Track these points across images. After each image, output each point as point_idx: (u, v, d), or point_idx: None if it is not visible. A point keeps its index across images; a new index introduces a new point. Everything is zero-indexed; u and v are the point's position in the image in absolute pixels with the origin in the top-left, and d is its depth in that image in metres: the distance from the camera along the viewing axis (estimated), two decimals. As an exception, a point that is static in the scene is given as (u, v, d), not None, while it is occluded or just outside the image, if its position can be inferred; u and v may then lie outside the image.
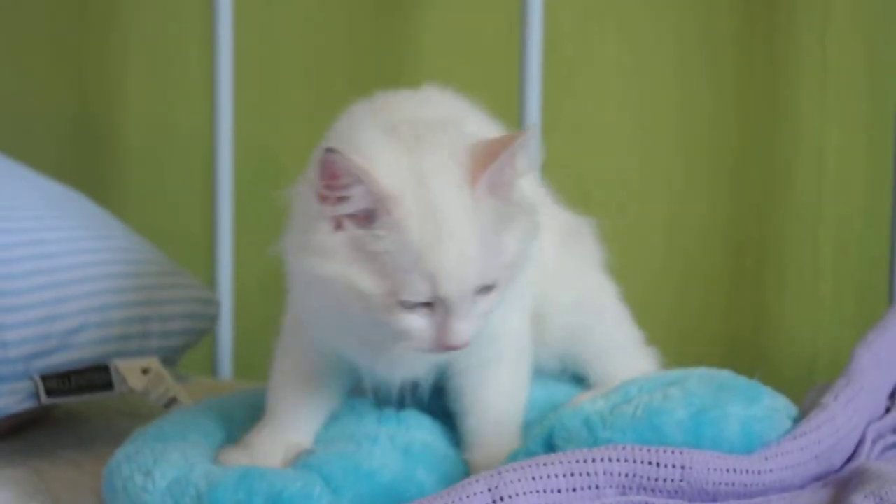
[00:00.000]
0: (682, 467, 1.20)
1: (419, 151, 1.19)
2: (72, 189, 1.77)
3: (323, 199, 1.17)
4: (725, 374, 1.34)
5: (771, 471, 1.23)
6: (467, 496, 1.16)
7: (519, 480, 1.17)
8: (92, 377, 1.56)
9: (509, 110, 1.76)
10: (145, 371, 1.59)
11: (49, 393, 1.53)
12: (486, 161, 1.18)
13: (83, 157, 2.07)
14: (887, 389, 1.40)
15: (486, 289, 1.19)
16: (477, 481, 1.17)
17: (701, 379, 1.32)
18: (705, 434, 1.25)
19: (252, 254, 1.97)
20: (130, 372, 1.58)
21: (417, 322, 1.18)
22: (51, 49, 2.09)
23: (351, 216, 1.17)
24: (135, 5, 2.04)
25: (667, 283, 1.78)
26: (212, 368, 1.90)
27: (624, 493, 1.19)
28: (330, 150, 1.15)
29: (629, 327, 1.38)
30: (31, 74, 2.11)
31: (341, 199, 1.16)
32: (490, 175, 1.18)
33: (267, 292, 1.99)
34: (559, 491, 1.18)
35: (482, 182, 1.18)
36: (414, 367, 1.28)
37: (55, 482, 1.44)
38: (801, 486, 1.26)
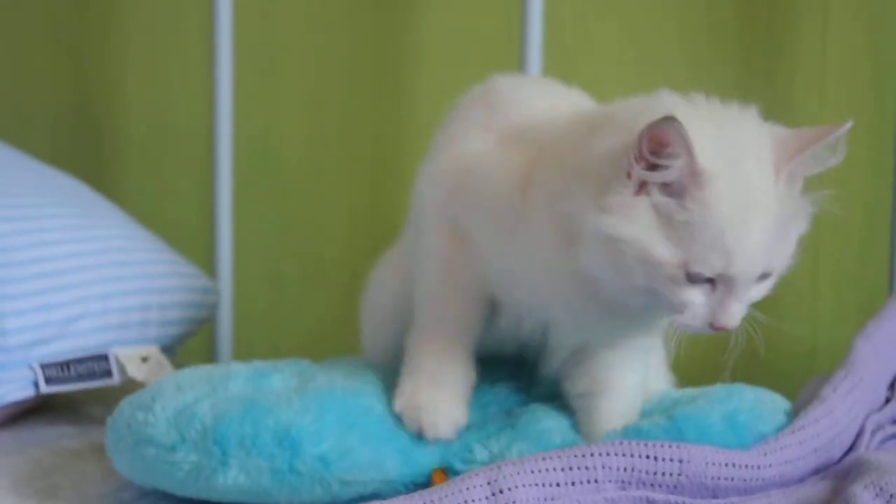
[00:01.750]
0: (681, 461, 1.21)
1: (728, 130, 1.21)
2: (71, 177, 1.77)
3: (640, 160, 1.18)
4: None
5: (770, 466, 1.24)
6: (467, 488, 1.16)
7: (518, 473, 1.18)
8: (91, 365, 1.56)
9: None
10: (145, 359, 1.59)
11: (48, 381, 1.53)
12: (793, 152, 1.21)
13: (83, 148, 2.07)
14: (886, 380, 1.40)
15: (764, 276, 1.23)
16: (476, 474, 1.17)
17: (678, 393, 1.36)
18: (685, 428, 1.27)
19: (251, 243, 1.97)
20: (130, 360, 1.58)
21: (698, 297, 1.21)
22: (50, 40, 2.09)
23: (660, 184, 1.19)
24: (136, -3, 2.05)
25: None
26: (211, 357, 1.90)
27: (623, 488, 1.20)
28: (671, 119, 1.16)
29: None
30: (31, 65, 2.11)
31: (657, 166, 1.18)
32: (795, 165, 1.21)
33: (266, 281, 2.00)
34: (558, 484, 1.18)
35: (786, 173, 1.21)
36: (594, 333, 1.30)
37: (54, 471, 1.44)
38: (801, 480, 1.26)
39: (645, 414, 1.33)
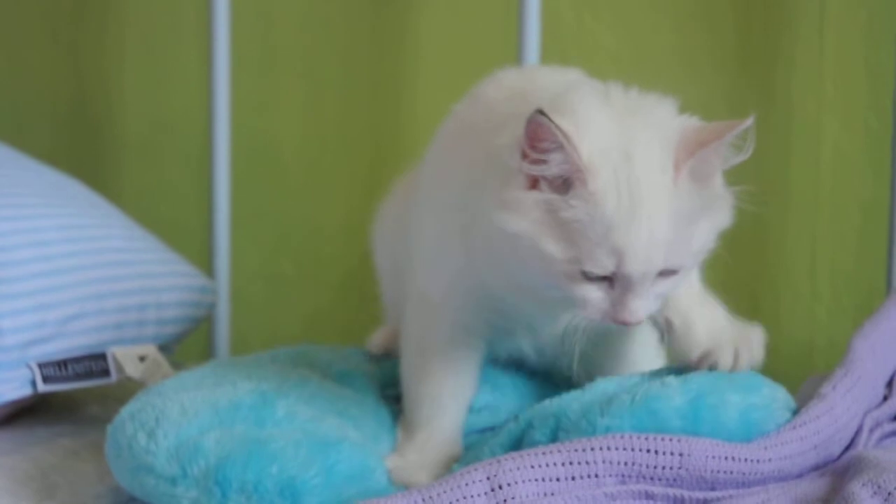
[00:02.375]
0: (681, 454, 1.20)
1: (630, 124, 1.20)
2: (68, 176, 1.77)
3: (524, 156, 1.18)
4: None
5: (770, 460, 1.24)
6: (466, 483, 1.16)
7: (518, 469, 1.17)
8: (89, 364, 1.56)
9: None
10: (142, 358, 1.59)
11: (46, 380, 1.53)
12: (695, 147, 1.19)
13: (80, 146, 2.07)
14: (884, 378, 1.40)
15: (669, 272, 1.20)
16: (476, 469, 1.17)
17: (700, 372, 1.31)
18: (703, 419, 1.25)
19: (248, 241, 1.97)
20: (127, 359, 1.58)
21: (594, 293, 1.20)
22: (48, 38, 2.09)
23: (547, 179, 1.18)
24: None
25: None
26: (209, 356, 1.90)
27: (623, 482, 1.19)
28: (539, 113, 1.16)
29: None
30: (28, 63, 2.10)
31: (541, 161, 1.17)
32: (696, 162, 1.19)
33: (263, 280, 1.99)
34: (558, 479, 1.18)
35: (686, 168, 1.19)
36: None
37: (51, 470, 1.44)
38: (800, 476, 1.26)
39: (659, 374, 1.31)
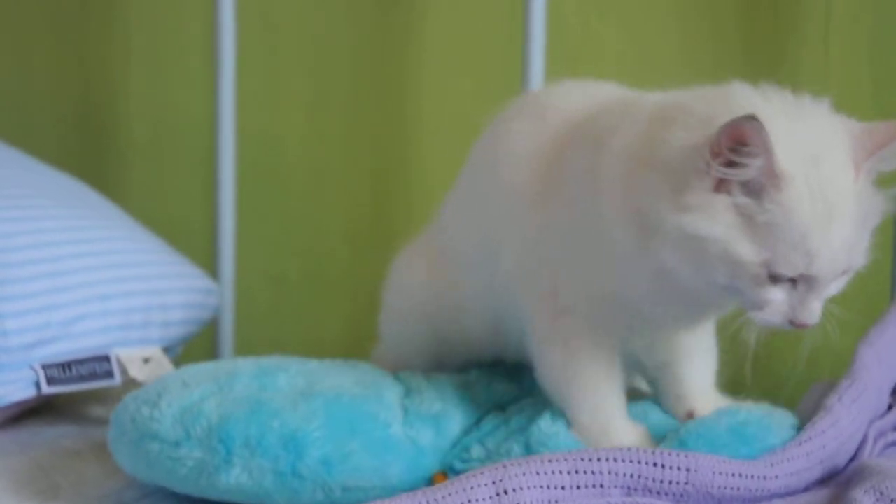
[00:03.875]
0: (688, 470, 1.20)
1: (806, 127, 1.20)
2: (73, 178, 1.77)
3: (718, 157, 1.17)
4: None
5: (777, 477, 1.23)
6: (471, 487, 1.16)
7: (524, 475, 1.17)
8: (93, 366, 1.56)
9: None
10: (146, 360, 1.59)
11: (50, 382, 1.53)
12: (873, 148, 1.21)
13: (85, 147, 2.07)
14: (889, 386, 1.40)
15: (844, 272, 1.23)
16: (482, 473, 1.17)
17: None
18: (690, 442, 1.27)
19: (253, 243, 1.97)
20: (131, 361, 1.58)
21: (778, 296, 1.21)
22: (53, 39, 2.09)
23: (738, 182, 1.18)
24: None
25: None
26: (213, 357, 1.90)
27: (629, 494, 1.19)
28: (752, 118, 1.15)
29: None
30: (34, 64, 2.10)
31: (736, 164, 1.17)
32: (874, 163, 1.21)
33: (268, 282, 1.99)
34: (563, 488, 1.18)
35: (865, 169, 1.21)
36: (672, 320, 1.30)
37: (55, 471, 1.44)
38: (806, 490, 1.26)
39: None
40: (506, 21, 1.83)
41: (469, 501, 1.15)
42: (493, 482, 1.16)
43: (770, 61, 1.74)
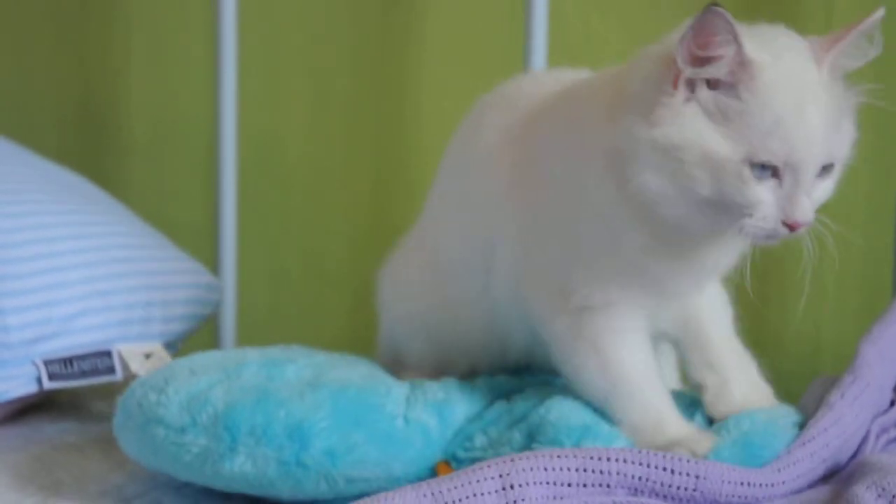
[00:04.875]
0: (697, 476, 1.20)
1: (767, 33, 1.24)
2: (74, 173, 1.77)
3: (691, 60, 1.19)
4: None
5: (783, 482, 1.23)
6: (477, 480, 1.15)
7: (531, 469, 1.17)
8: (94, 362, 1.56)
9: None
10: (148, 356, 1.59)
11: (51, 377, 1.53)
12: (830, 44, 1.23)
13: (86, 145, 2.07)
14: (891, 382, 1.39)
15: (825, 170, 1.23)
16: (489, 466, 1.16)
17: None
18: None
19: (254, 240, 1.97)
20: (133, 356, 1.58)
21: (766, 195, 1.21)
22: (53, 36, 2.09)
23: (709, 80, 1.20)
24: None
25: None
26: (214, 354, 1.90)
27: (635, 495, 1.19)
28: (715, 6, 1.18)
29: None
30: (34, 62, 2.10)
31: (707, 61, 1.19)
32: (835, 56, 1.23)
33: (269, 278, 1.99)
34: (569, 485, 1.18)
35: (828, 62, 1.22)
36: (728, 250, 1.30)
37: (57, 468, 1.44)
38: (810, 488, 1.26)
39: None
40: (507, 19, 1.84)
41: (475, 494, 1.15)
42: (500, 475, 1.16)
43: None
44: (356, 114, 1.95)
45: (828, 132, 1.21)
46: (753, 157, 1.19)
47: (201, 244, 1.93)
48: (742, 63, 1.19)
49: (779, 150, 1.19)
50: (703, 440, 1.28)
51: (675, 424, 1.30)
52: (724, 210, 1.21)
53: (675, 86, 1.20)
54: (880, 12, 1.24)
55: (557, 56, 1.78)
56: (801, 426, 1.30)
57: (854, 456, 1.32)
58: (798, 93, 1.20)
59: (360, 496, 1.26)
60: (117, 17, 2.05)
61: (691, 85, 1.20)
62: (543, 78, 1.41)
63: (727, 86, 1.20)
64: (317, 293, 1.97)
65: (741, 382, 1.34)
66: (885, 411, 1.37)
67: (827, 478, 1.29)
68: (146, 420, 1.33)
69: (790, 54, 1.22)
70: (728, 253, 1.31)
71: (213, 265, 1.88)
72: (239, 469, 1.29)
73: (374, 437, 1.30)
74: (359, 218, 1.95)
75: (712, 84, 1.20)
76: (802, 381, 1.52)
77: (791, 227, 1.22)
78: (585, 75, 1.40)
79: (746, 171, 1.20)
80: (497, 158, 1.35)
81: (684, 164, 1.20)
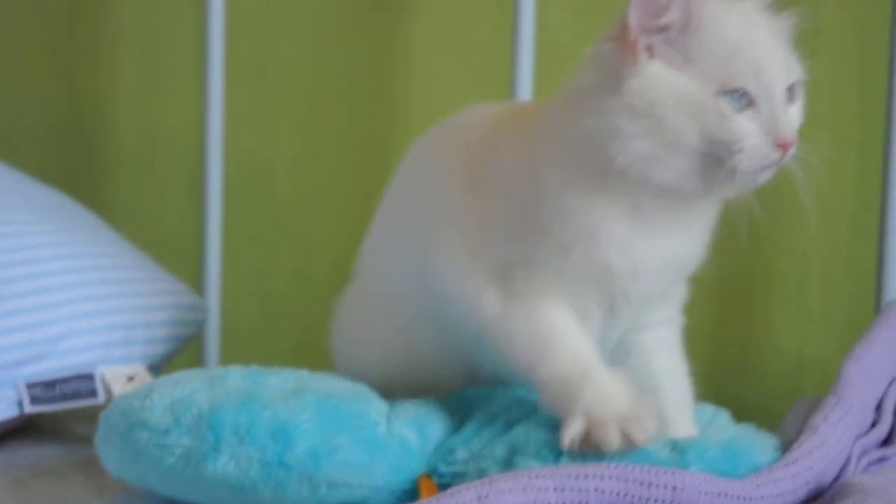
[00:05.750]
0: (674, 488, 1.19)
1: None
2: (60, 193, 1.77)
3: (648, 14, 1.22)
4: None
5: (762, 498, 1.23)
6: (456, 502, 1.15)
7: (510, 490, 1.16)
8: (77, 385, 1.56)
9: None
10: (131, 378, 1.59)
11: (33, 401, 1.53)
12: None
13: (72, 161, 2.06)
14: (873, 402, 1.39)
15: (790, 93, 1.26)
16: (467, 488, 1.16)
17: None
18: (689, 460, 1.26)
19: (241, 259, 1.97)
20: (116, 379, 1.58)
21: (749, 124, 1.23)
22: (41, 53, 2.09)
23: (664, 37, 1.23)
24: (126, 9, 2.04)
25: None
26: (199, 374, 1.90)
27: None
28: None
29: None
30: (22, 78, 2.10)
31: (660, 12, 1.22)
32: None
33: (254, 298, 1.99)
34: None
35: None
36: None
37: (38, 492, 1.43)
38: (790, 509, 1.26)
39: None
40: (495, 35, 1.84)
41: (453, 515, 1.15)
42: (479, 498, 1.16)
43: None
44: (343, 131, 1.94)
45: (783, 48, 1.25)
46: (725, 86, 1.22)
47: (187, 262, 1.92)
48: (688, 8, 1.23)
49: (745, 71, 1.22)
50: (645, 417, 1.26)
51: (601, 373, 1.27)
52: (715, 157, 1.23)
53: (634, 53, 1.23)
54: None
55: (545, 67, 1.78)
56: (782, 450, 1.30)
57: (837, 478, 1.31)
58: (743, 16, 1.24)
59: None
60: (105, 34, 2.05)
61: (649, 49, 1.23)
62: (485, 107, 1.40)
63: (679, 29, 1.23)
64: (304, 312, 1.96)
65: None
66: (867, 432, 1.37)
67: (809, 501, 1.28)
68: (129, 426, 1.33)
69: None
70: (699, 244, 1.32)
71: (199, 283, 1.88)
72: (221, 470, 1.29)
73: (358, 441, 1.30)
74: (347, 236, 1.94)
75: (668, 41, 1.23)
76: (786, 399, 1.52)
77: (783, 147, 1.24)
78: (534, 103, 1.43)
79: (724, 104, 1.22)
80: (449, 184, 1.35)
81: (665, 118, 1.22)
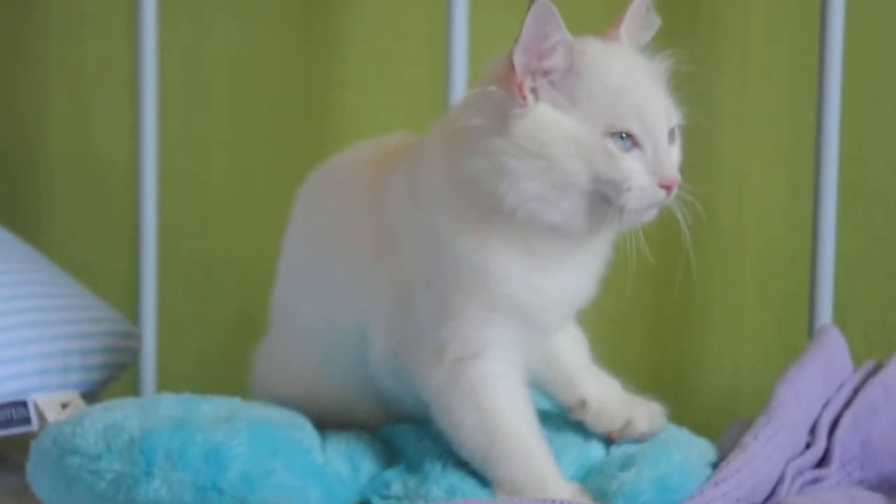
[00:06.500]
0: None
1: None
2: (-7, 222, 1.76)
3: (533, 56, 1.23)
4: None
5: None
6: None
7: None
8: (9, 412, 1.55)
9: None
10: (65, 406, 1.58)
11: (-34, 429, 1.52)
12: (616, 22, 1.30)
13: (6, 190, 2.05)
14: (808, 425, 1.40)
15: (671, 136, 1.28)
16: None
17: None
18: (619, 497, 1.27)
19: (176, 287, 1.96)
20: (49, 406, 1.57)
21: (635, 164, 1.24)
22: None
23: (549, 79, 1.24)
24: (59, 35, 2.03)
25: (591, 313, 1.79)
26: (135, 402, 1.88)
27: None
28: (538, 1, 1.22)
29: None
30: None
31: (545, 54, 1.23)
32: (626, 28, 1.29)
33: (191, 324, 1.98)
34: None
35: (622, 33, 1.29)
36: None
37: (-30, 519, 1.42)
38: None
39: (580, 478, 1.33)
40: (427, 60, 1.84)
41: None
42: None
43: (689, 102, 1.76)
44: (277, 156, 1.94)
45: (663, 92, 1.28)
46: (612, 128, 1.24)
47: (122, 290, 1.92)
48: (569, 46, 1.24)
49: (629, 114, 1.25)
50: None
51: (558, 485, 1.29)
52: (602, 196, 1.25)
53: (521, 96, 1.24)
54: None
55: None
56: (716, 465, 1.31)
57: (769, 497, 1.32)
58: (624, 61, 1.27)
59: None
60: (37, 61, 2.04)
61: (534, 91, 1.24)
62: (381, 143, 1.41)
63: (563, 72, 1.25)
64: (239, 339, 1.95)
65: (614, 396, 1.36)
66: (801, 454, 1.38)
67: (741, 520, 1.29)
68: (61, 452, 1.32)
69: (588, 41, 1.28)
70: (594, 278, 1.34)
71: (134, 311, 1.87)
72: (154, 495, 1.28)
73: (291, 466, 1.30)
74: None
75: (555, 77, 1.24)
76: (723, 421, 1.53)
77: (668, 188, 1.26)
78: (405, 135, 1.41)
79: (611, 145, 1.24)
80: (356, 233, 1.35)
81: (555, 158, 1.23)
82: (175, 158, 1.93)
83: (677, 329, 1.78)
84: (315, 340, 1.41)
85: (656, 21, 1.31)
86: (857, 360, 1.51)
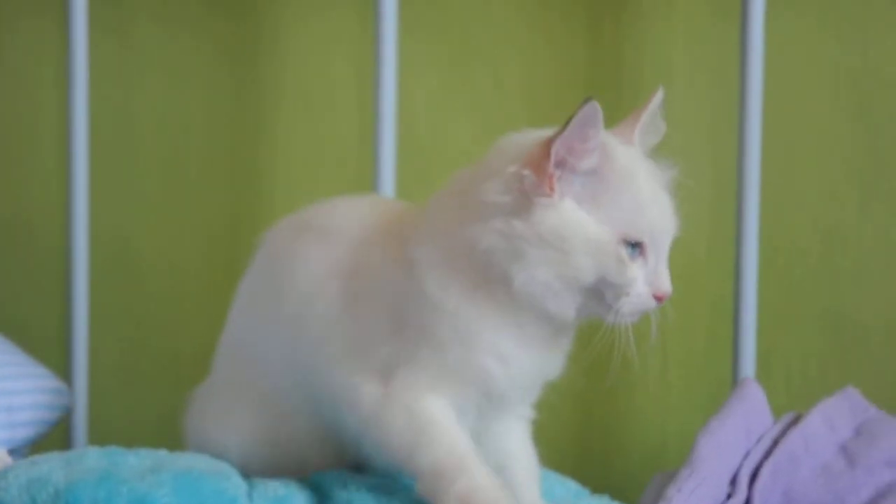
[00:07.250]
0: None
1: None
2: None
3: (571, 154, 1.24)
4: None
5: None
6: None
7: None
8: (-65, 469, 1.53)
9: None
10: (-9, 462, 1.57)
11: None
12: (632, 122, 1.31)
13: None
14: (729, 475, 1.42)
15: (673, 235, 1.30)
16: None
17: None
18: None
19: (108, 342, 1.95)
20: (-25, 463, 1.55)
21: (639, 272, 1.26)
22: None
23: (577, 176, 1.25)
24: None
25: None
26: (66, 458, 1.87)
27: None
28: (592, 99, 1.23)
29: None
30: None
31: (584, 153, 1.24)
32: (641, 130, 1.31)
33: (122, 380, 1.97)
34: None
35: (636, 134, 1.31)
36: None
37: None
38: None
39: None
40: (356, 120, 1.86)
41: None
42: None
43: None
44: (210, 212, 1.95)
45: (671, 203, 1.30)
46: (627, 236, 1.26)
47: (53, 346, 1.91)
48: (603, 150, 1.25)
49: (646, 227, 1.26)
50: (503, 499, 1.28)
51: (476, 466, 1.29)
52: (598, 294, 1.27)
53: (549, 186, 1.25)
54: (660, 92, 1.31)
55: (407, 156, 1.80)
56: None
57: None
58: (647, 172, 1.28)
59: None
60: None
61: (559, 181, 1.25)
62: (358, 205, 1.42)
63: (592, 173, 1.25)
64: (171, 395, 1.95)
65: None
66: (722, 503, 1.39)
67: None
68: None
69: (616, 139, 1.29)
70: (565, 355, 1.36)
71: (65, 367, 1.86)
72: None
73: None
74: (215, 318, 1.94)
75: (579, 173, 1.25)
76: (649, 474, 1.54)
77: (660, 299, 1.28)
78: (393, 202, 1.43)
79: (623, 252, 1.26)
80: (324, 289, 1.36)
81: (571, 253, 1.25)
82: (107, 215, 1.93)
83: (602, 388, 1.79)
84: (271, 378, 1.41)
85: (663, 127, 1.33)
86: (781, 411, 1.53)
